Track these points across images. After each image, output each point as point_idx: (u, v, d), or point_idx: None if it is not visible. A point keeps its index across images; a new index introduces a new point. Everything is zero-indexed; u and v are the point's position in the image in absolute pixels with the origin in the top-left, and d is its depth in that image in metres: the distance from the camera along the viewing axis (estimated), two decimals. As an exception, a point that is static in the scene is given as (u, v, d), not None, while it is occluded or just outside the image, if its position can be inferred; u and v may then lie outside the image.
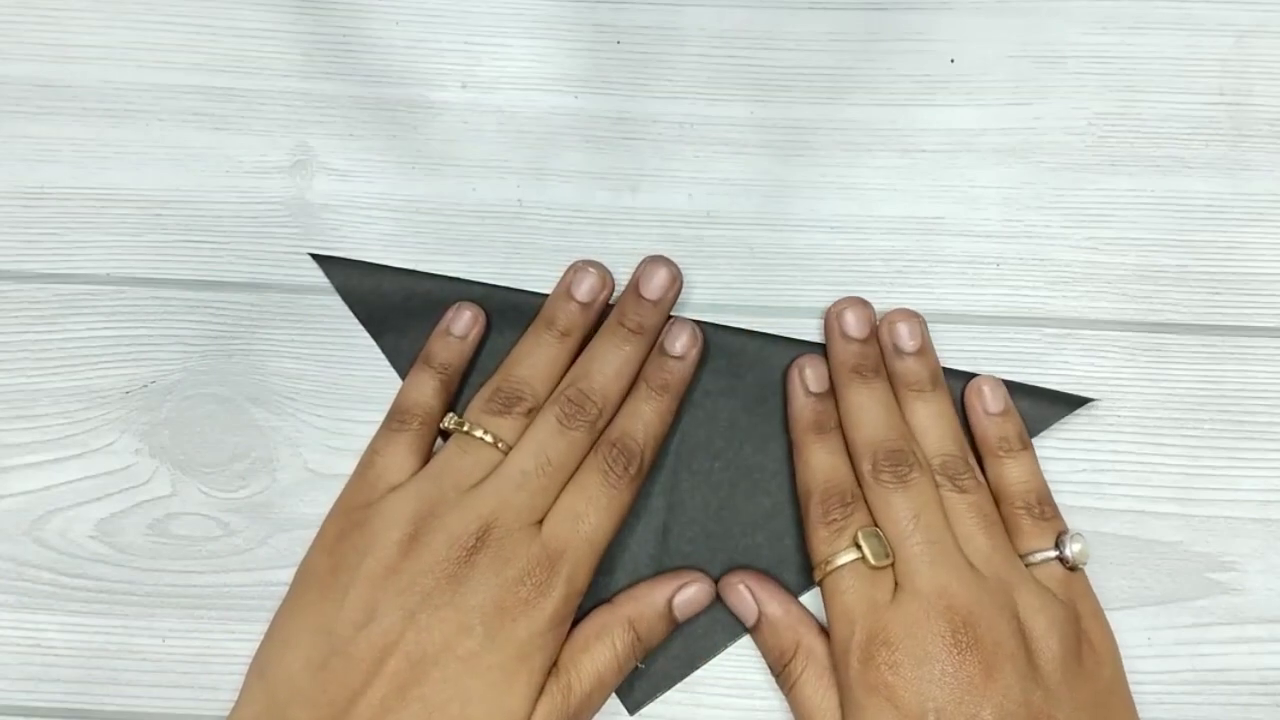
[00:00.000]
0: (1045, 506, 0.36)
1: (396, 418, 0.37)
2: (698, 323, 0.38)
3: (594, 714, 0.35)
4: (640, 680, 0.37)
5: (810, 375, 0.37)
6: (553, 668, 0.34)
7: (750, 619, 0.36)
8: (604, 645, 0.35)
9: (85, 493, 0.38)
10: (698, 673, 0.37)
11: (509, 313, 0.39)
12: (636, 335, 0.37)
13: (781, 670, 0.36)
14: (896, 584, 0.34)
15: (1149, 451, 0.38)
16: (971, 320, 0.39)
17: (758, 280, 0.39)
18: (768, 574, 0.37)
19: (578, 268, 0.38)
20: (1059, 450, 0.38)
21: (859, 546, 0.35)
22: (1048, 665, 0.33)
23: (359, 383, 0.39)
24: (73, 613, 0.38)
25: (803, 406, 0.37)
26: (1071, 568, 0.35)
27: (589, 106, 0.40)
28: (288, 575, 0.37)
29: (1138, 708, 0.37)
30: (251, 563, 0.38)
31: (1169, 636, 0.37)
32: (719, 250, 0.39)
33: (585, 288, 0.38)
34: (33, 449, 0.39)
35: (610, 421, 0.36)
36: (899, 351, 0.37)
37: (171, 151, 0.40)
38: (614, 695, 0.37)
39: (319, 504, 0.38)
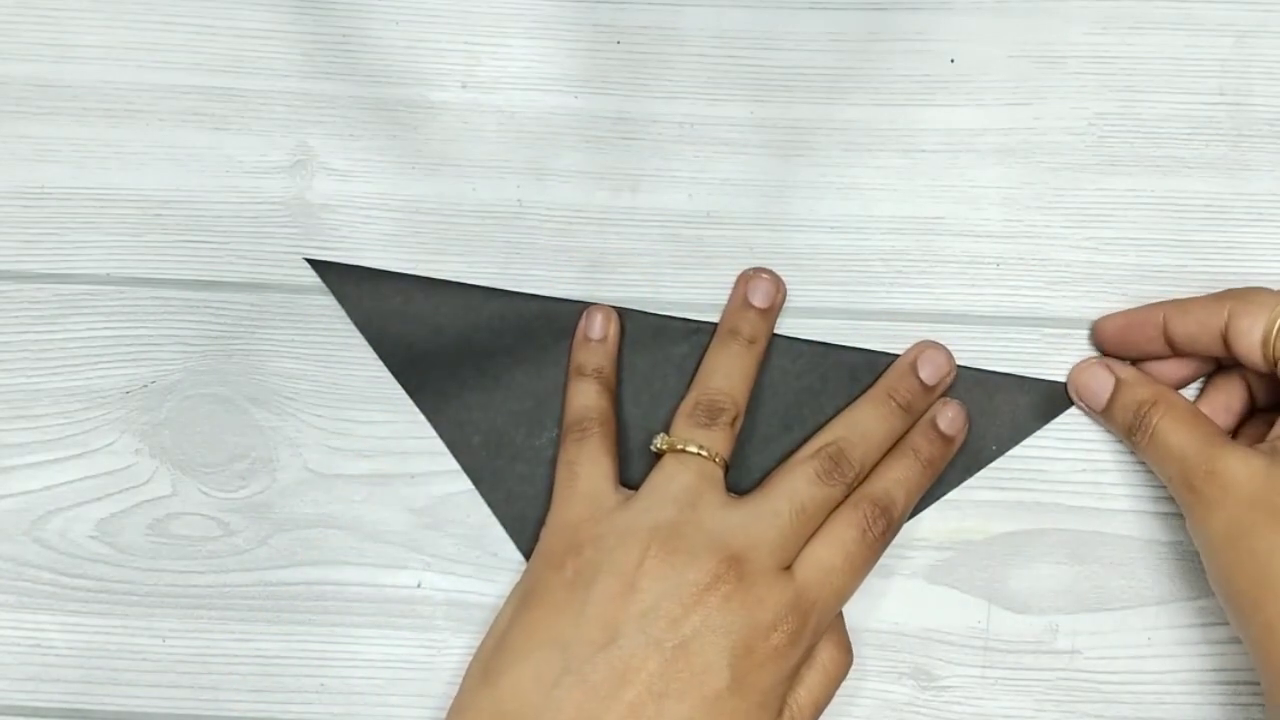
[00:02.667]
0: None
1: (576, 429, 0.37)
2: (696, 322, 0.38)
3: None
4: None
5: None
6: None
7: (1107, 391, 0.37)
8: (815, 673, 0.34)
9: (85, 493, 0.38)
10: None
11: (510, 317, 0.39)
12: (904, 412, 0.37)
13: (1139, 422, 0.36)
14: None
15: (1149, 451, 0.38)
16: (971, 320, 0.39)
17: (758, 280, 0.39)
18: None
19: (749, 276, 0.38)
20: (1059, 450, 0.38)
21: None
22: None
23: (359, 383, 0.39)
24: (73, 613, 0.38)
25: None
26: None
27: (589, 106, 0.40)
28: (288, 575, 0.37)
29: (1138, 707, 0.37)
30: (251, 563, 0.38)
31: (1169, 636, 0.37)
32: (719, 250, 0.39)
33: (761, 293, 0.38)
34: (33, 449, 0.39)
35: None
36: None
37: (171, 151, 0.40)
38: None
39: (319, 504, 0.38)
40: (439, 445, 0.38)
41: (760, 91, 0.40)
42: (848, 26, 0.40)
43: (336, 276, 0.39)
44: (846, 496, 0.35)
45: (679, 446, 0.35)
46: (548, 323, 0.39)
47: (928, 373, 0.37)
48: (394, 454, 0.38)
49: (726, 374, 0.37)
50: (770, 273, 0.38)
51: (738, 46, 0.40)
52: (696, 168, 0.40)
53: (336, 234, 0.39)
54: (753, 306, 0.38)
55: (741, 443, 0.38)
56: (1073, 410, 0.38)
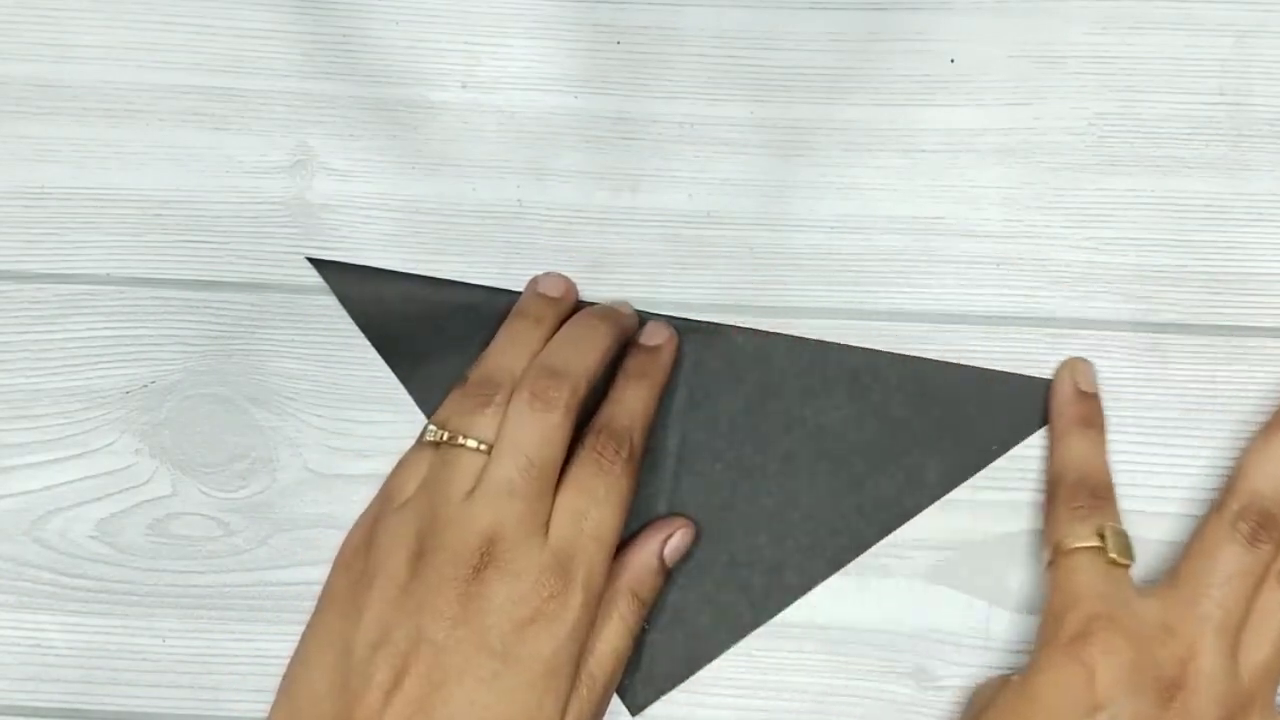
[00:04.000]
0: None
1: (476, 388, 0.36)
2: (696, 322, 0.38)
3: (613, 690, 0.35)
4: (642, 681, 0.37)
5: (1083, 374, 0.38)
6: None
7: None
8: (613, 622, 0.35)
9: (85, 493, 0.38)
10: (698, 673, 0.37)
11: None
12: (604, 320, 0.37)
13: None
14: (1148, 600, 0.34)
15: (1149, 451, 0.38)
16: (971, 320, 0.39)
17: (758, 280, 0.39)
18: None
19: (542, 276, 0.39)
20: (1059, 450, 0.38)
21: (1102, 537, 0.34)
22: None
23: (359, 383, 0.39)
24: (73, 613, 0.38)
25: (1070, 399, 0.37)
26: None
27: (589, 106, 0.40)
28: (288, 575, 0.37)
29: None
30: (251, 563, 0.38)
31: (1169, 636, 0.37)
32: (719, 250, 0.39)
33: (553, 285, 0.38)
34: (33, 449, 0.39)
35: (587, 411, 0.36)
36: None
37: (171, 151, 0.40)
38: (615, 697, 0.37)
39: (319, 504, 0.38)
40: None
41: (760, 91, 0.40)
42: (848, 26, 0.40)
43: (337, 275, 0.39)
44: (576, 419, 0.35)
45: (444, 439, 0.35)
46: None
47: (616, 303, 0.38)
48: (394, 454, 0.38)
49: (512, 351, 0.36)
50: (561, 275, 0.39)
51: (738, 46, 0.40)
52: (696, 168, 0.40)
53: (336, 234, 0.39)
54: (543, 294, 0.38)
55: (740, 443, 0.38)
56: (1073, 410, 0.38)
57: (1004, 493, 0.38)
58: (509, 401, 0.35)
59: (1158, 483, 0.38)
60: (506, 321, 0.38)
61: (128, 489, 0.38)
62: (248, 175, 0.40)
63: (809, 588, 0.37)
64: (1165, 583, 0.35)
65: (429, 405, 0.38)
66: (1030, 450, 0.38)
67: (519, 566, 0.33)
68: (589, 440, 0.35)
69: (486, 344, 0.38)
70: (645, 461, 0.37)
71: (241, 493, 0.38)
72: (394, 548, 0.34)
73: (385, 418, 0.39)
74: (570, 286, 0.39)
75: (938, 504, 0.38)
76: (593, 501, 0.34)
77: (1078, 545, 0.34)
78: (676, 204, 0.40)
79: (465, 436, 0.35)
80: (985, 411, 0.38)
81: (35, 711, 0.38)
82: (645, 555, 0.36)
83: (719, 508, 0.38)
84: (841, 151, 0.40)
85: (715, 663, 0.37)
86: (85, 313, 0.39)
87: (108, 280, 0.39)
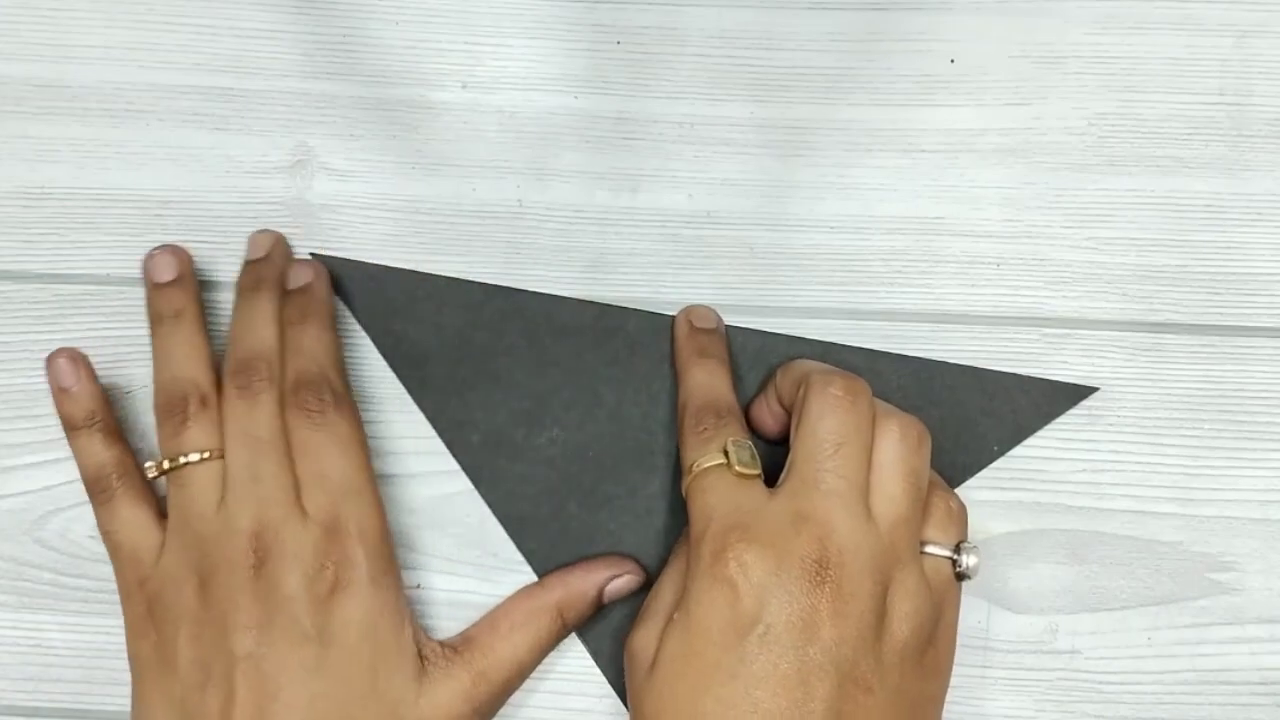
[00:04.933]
0: (954, 501, 0.34)
1: (95, 491, 0.36)
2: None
3: (510, 695, 0.35)
4: None
5: (698, 314, 0.38)
6: (463, 645, 0.34)
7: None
8: (527, 633, 0.35)
9: (85, 493, 0.38)
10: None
11: (511, 315, 0.39)
12: (261, 287, 0.36)
13: (796, 397, 0.35)
14: (777, 498, 0.32)
15: (1149, 451, 0.38)
16: (971, 320, 0.39)
17: (758, 280, 0.39)
18: None
19: (146, 257, 0.38)
20: (1059, 450, 0.38)
21: (726, 454, 0.33)
22: (889, 646, 0.31)
23: (359, 383, 0.39)
24: (73, 613, 0.38)
25: (686, 336, 0.38)
26: (959, 575, 0.34)
27: (589, 106, 0.40)
28: (288, 575, 0.37)
29: (1138, 707, 0.37)
30: (251, 563, 0.38)
31: (1169, 636, 0.37)
32: (719, 250, 0.39)
33: (162, 266, 0.37)
34: (33, 449, 0.39)
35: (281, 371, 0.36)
36: None
37: (171, 151, 0.40)
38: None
39: (319, 504, 0.38)
40: (439, 445, 0.38)
41: (760, 91, 0.40)
42: (848, 26, 0.40)
43: (339, 272, 0.39)
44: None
45: (168, 466, 0.35)
46: (548, 321, 0.39)
47: (255, 250, 0.38)
48: (394, 454, 0.38)
49: (175, 362, 0.36)
50: (163, 246, 0.38)
51: (738, 46, 0.40)
52: (696, 168, 0.40)
53: (336, 234, 0.39)
54: (160, 283, 0.37)
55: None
56: (1073, 410, 0.38)
57: (1004, 493, 0.38)
58: (203, 405, 0.35)
59: (1158, 482, 0.38)
60: (152, 330, 0.37)
61: (128, 489, 0.38)
62: (248, 175, 0.40)
63: None
64: (785, 475, 0.33)
65: (428, 404, 0.38)
66: (1030, 451, 0.38)
67: (294, 547, 0.33)
68: (289, 399, 0.35)
69: (486, 342, 0.38)
70: (644, 464, 0.38)
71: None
72: (178, 590, 0.33)
73: (385, 418, 0.39)
74: (181, 256, 0.38)
75: (938, 504, 0.38)
76: (325, 457, 0.34)
77: (706, 465, 0.34)
78: (676, 204, 0.40)
79: (184, 455, 0.34)
80: (985, 412, 0.38)
81: (35, 711, 0.38)
82: (586, 583, 0.36)
83: None
84: (841, 151, 0.40)
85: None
86: (85, 313, 0.39)
87: (108, 280, 0.39)
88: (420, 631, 0.35)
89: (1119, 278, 0.39)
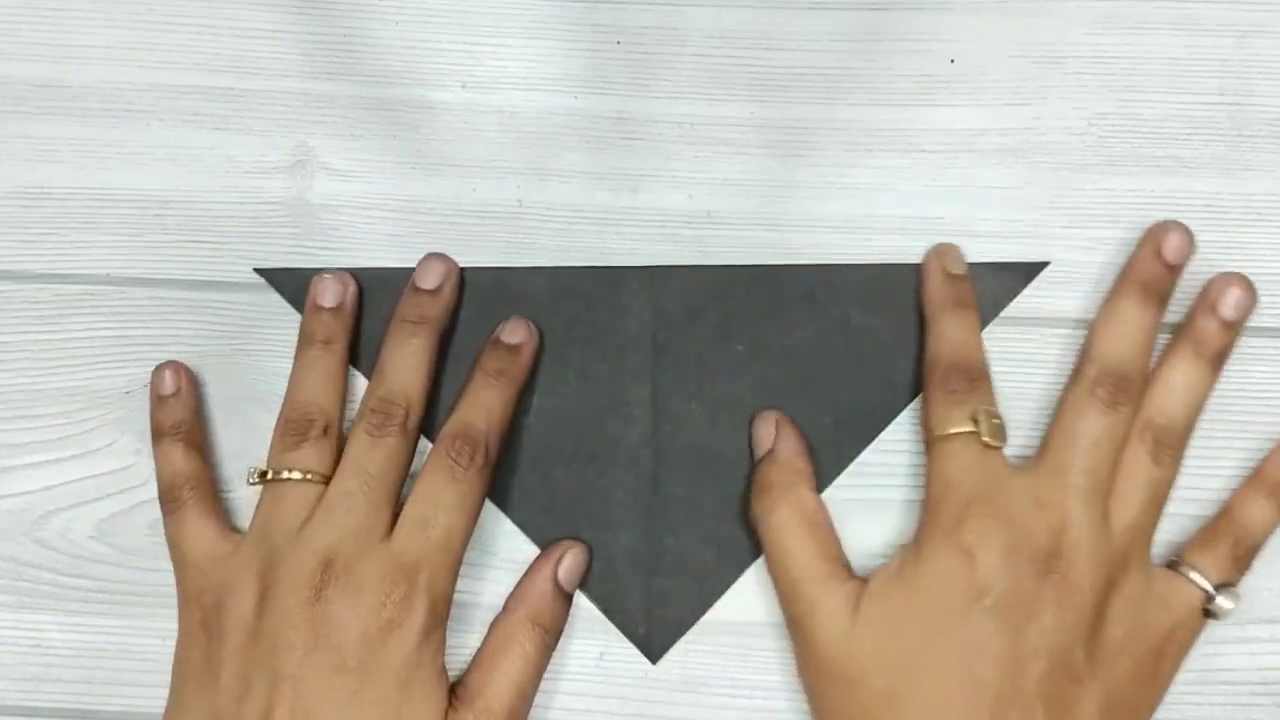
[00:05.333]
0: (1250, 553, 0.36)
1: (167, 500, 0.36)
2: (647, 269, 0.39)
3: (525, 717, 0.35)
4: (658, 629, 0.37)
5: (951, 258, 0.38)
6: (462, 691, 0.34)
7: (763, 448, 0.37)
8: (513, 655, 0.35)
9: (85, 493, 0.38)
10: (698, 673, 0.37)
11: (467, 294, 0.39)
12: (420, 325, 0.36)
13: (761, 505, 0.36)
14: (1020, 477, 0.34)
15: (1149, 451, 0.38)
16: (971, 320, 0.39)
17: (758, 280, 0.39)
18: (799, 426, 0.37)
19: (314, 280, 0.38)
20: (1059, 450, 0.38)
21: (975, 421, 0.34)
22: (1103, 643, 0.33)
23: (358, 382, 0.39)
24: (73, 613, 0.38)
25: (941, 284, 0.37)
26: (1206, 613, 0.35)
27: (589, 106, 0.40)
28: (288, 575, 0.37)
29: (1138, 707, 0.37)
30: (251, 563, 0.38)
31: (1169, 636, 0.37)
32: (719, 250, 0.39)
33: (327, 292, 0.37)
34: (33, 449, 0.39)
35: (421, 418, 0.36)
36: (1214, 313, 0.36)
37: (171, 151, 0.40)
38: (634, 648, 0.37)
39: (319, 504, 0.38)
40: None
41: (760, 91, 0.40)
42: (848, 26, 0.40)
43: (290, 285, 0.39)
44: (417, 435, 0.36)
45: (270, 477, 0.35)
46: (500, 292, 0.39)
47: (426, 281, 0.37)
48: (394, 454, 0.38)
49: (309, 384, 0.36)
50: (333, 272, 0.38)
51: (738, 46, 0.40)
52: (696, 168, 0.40)
53: (336, 234, 0.39)
54: (321, 308, 0.37)
55: (711, 379, 0.38)
56: (1073, 410, 0.38)
57: (1004, 493, 0.38)
58: (325, 433, 0.35)
59: (1158, 483, 0.38)
60: (296, 349, 0.37)
61: (128, 489, 0.38)
62: (248, 175, 0.40)
63: None
64: (1035, 457, 0.35)
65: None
66: (1029, 451, 0.38)
67: (359, 579, 0.33)
68: (442, 445, 0.35)
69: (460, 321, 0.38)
70: (620, 415, 0.38)
71: (241, 493, 0.38)
72: (238, 600, 0.33)
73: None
74: (346, 286, 0.38)
75: (938, 504, 0.38)
76: (440, 509, 0.34)
77: (952, 430, 0.35)
78: (676, 204, 0.40)
79: (289, 470, 0.35)
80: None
81: (35, 711, 0.38)
82: (539, 582, 0.36)
83: (702, 445, 0.38)
84: (841, 151, 0.40)
85: (715, 662, 0.37)
86: (85, 313, 0.39)
87: (108, 280, 0.39)
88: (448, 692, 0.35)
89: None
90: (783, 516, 0.35)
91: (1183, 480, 0.38)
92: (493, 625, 0.36)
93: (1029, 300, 0.39)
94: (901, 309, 0.38)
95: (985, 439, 0.34)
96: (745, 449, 0.38)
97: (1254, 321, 0.39)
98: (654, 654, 0.37)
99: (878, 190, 0.40)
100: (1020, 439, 0.38)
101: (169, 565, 0.38)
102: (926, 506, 0.35)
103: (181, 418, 0.37)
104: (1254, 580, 0.37)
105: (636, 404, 0.38)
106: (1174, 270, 0.37)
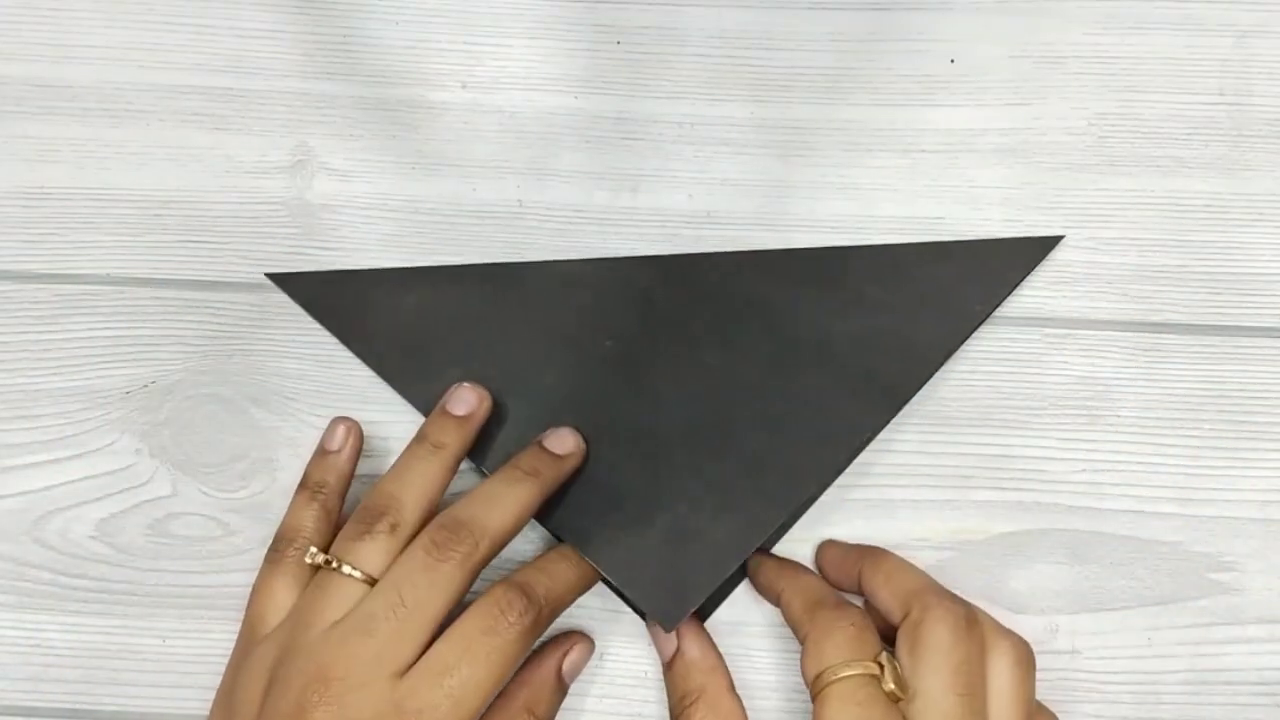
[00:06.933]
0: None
1: (275, 548, 0.35)
2: (657, 258, 0.38)
3: None
4: (673, 598, 0.36)
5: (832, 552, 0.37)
6: None
7: (667, 654, 0.36)
8: None
9: (85, 493, 0.38)
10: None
11: (469, 288, 0.38)
12: (530, 477, 0.34)
13: (680, 713, 0.34)
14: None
15: (1149, 451, 0.38)
16: (971, 320, 0.39)
17: (758, 280, 0.39)
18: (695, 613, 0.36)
19: (454, 388, 0.36)
20: (1059, 450, 0.38)
21: (881, 666, 0.32)
22: None
23: (359, 383, 0.39)
24: (73, 613, 0.38)
25: (776, 572, 0.37)
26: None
27: (589, 106, 0.40)
28: (288, 575, 0.37)
29: (1138, 708, 0.37)
30: (251, 563, 0.38)
31: (1169, 636, 0.37)
32: (719, 250, 0.39)
33: (461, 400, 0.36)
34: (33, 449, 0.39)
35: (490, 558, 0.33)
36: None
37: (171, 151, 0.40)
38: (635, 648, 0.37)
39: (319, 504, 0.38)
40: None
41: (760, 91, 0.40)
42: (848, 26, 0.40)
43: (300, 287, 0.39)
44: (477, 573, 0.32)
45: (326, 564, 0.33)
46: (502, 286, 0.38)
47: (556, 445, 0.36)
48: (394, 454, 0.38)
49: (405, 478, 0.34)
50: (475, 386, 0.36)
51: (738, 46, 0.40)
52: (696, 168, 0.40)
53: (336, 234, 0.39)
54: (449, 413, 0.36)
55: (727, 358, 0.38)
56: (1073, 411, 0.38)
57: (1004, 493, 0.38)
58: (392, 531, 0.33)
59: (1158, 482, 0.38)
60: (412, 442, 0.35)
61: (128, 489, 0.38)
62: (248, 175, 0.40)
63: (826, 482, 0.38)
64: (912, 699, 0.32)
65: (415, 396, 0.38)
66: (1030, 450, 0.38)
67: (351, 711, 0.30)
68: (497, 591, 0.32)
69: (451, 319, 0.38)
70: (638, 403, 0.37)
71: (241, 493, 0.38)
72: (252, 682, 0.32)
73: (385, 418, 0.39)
74: (482, 398, 0.36)
75: (937, 504, 0.38)
76: (468, 659, 0.31)
77: (854, 673, 0.32)
78: (676, 204, 0.40)
79: (342, 563, 0.32)
80: (960, 278, 0.38)
81: (35, 711, 0.38)
82: (544, 672, 0.35)
83: (714, 422, 0.37)
84: (841, 151, 0.40)
85: (715, 663, 0.37)
86: (85, 313, 0.39)
87: (108, 280, 0.39)
88: None
89: (1119, 278, 0.39)
90: (706, 717, 0.34)
91: (1183, 480, 0.38)
92: (490, 709, 0.34)
93: (1029, 300, 0.39)
94: (916, 282, 0.38)
95: (892, 686, 0.32)
96: (760, 422, 0.37)
97: (1254, 321, 0.39)
98: (669, 622, 0.36)
99: (878, 190, 0.39)
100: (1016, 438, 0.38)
101: (169, 565, 0.38)
102: None
103: (331, 480, 0.36)
104: (1254, 580, 0.37)
105: (649, 390, 0.38)
106: None
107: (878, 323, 0.38)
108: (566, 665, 0.35)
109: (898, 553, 0.37)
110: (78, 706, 0.38)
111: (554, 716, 0.35)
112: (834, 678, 0.32)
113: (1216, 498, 0.38)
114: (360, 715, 0.30)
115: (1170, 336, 0.39)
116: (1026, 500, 0.38)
